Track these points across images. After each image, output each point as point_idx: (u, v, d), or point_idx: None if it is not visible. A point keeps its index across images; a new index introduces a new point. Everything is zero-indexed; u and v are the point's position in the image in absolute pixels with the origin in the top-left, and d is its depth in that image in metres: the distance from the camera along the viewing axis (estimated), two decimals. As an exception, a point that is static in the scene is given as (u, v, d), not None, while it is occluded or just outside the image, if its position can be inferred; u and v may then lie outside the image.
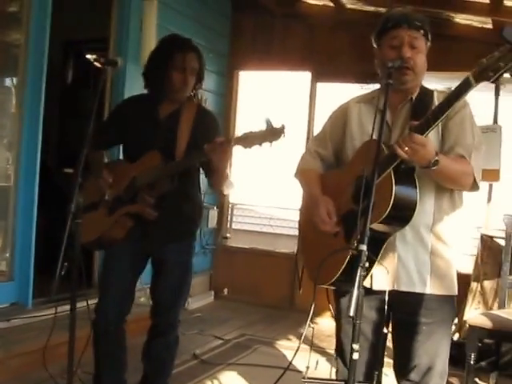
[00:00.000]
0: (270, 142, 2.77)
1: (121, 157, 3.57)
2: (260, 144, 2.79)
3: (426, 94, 2.51)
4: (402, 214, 2.30)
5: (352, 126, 2.62)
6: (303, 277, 2.68)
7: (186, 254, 3.41)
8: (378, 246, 2.33)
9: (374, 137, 2.30)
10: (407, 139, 2.17)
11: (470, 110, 2.45)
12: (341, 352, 2.65)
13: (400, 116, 2.50)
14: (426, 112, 2.28)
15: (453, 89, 2.19)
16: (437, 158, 2.21)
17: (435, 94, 2.50)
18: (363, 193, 2.15)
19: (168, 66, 3.17)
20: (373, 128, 2.30)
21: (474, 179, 2.37)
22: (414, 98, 2.49)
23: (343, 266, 2.32)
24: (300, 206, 2.82)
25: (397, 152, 2.19)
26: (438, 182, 2.39)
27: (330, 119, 2.79)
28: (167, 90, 3.24)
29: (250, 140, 2.81)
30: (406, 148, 2.16)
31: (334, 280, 2.38)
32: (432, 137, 2.33)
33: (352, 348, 1.98)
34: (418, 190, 2.31)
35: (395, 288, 2.45)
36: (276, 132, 2.75)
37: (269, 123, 2.75)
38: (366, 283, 2.41)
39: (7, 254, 4.70)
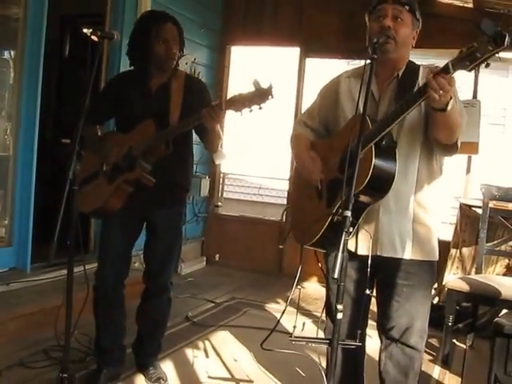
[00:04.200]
0: (259, 104, 2.79)
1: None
2: (249, 107, 2.81)
3: (412, 70, 2.54)
4: (380, 186, 2.38)
5: (343, 101, 2.65)
6: (291, 242, 2.76)
7: (177, 219, 3.50)
8: (358, 212, 2.39)
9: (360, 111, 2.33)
10: (441, 80, 2.11)
11: (455, 87, 2.43)
12: (329, 310, 2.76)
13: (387, 92, 2.55)
14: (412, 89, 2.33)
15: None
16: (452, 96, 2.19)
17: (421, 69, 2.53)
18: (348, 164, 2.16)
19: (150, 40, 3.21)
20: (357, 103, 2.34)
21: (457, 139, 2.39)
22: (400, 74, 2.53)
23: (323, 228, 2.44)
24: (290, 175, 2.95)
25: (430, 95, 2.15)
26: (438, 129, 2.37)
27: (321, 93, 2.84)
28: (155, 64, 3.28)
29: (239, 103, 2.84)
30: (441, 91, 2.12)
31: (314, 240, 2.51)
32: (415, 114, 2.41)
33: (336, 308, 2.05)
34: (397, 165, 2.36)
35: (377, 253, 2.55)
36: (264, 92, 2.77)
37: (256, 84, 2.78)
38: (351, 247, 2.52)
39: (6, 221, 4.74)
